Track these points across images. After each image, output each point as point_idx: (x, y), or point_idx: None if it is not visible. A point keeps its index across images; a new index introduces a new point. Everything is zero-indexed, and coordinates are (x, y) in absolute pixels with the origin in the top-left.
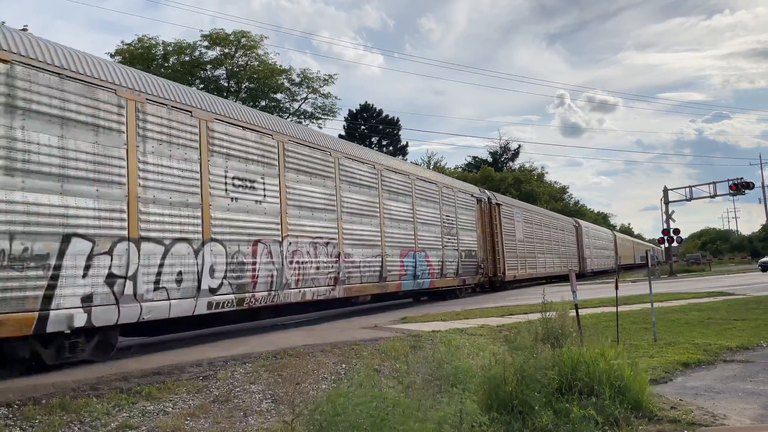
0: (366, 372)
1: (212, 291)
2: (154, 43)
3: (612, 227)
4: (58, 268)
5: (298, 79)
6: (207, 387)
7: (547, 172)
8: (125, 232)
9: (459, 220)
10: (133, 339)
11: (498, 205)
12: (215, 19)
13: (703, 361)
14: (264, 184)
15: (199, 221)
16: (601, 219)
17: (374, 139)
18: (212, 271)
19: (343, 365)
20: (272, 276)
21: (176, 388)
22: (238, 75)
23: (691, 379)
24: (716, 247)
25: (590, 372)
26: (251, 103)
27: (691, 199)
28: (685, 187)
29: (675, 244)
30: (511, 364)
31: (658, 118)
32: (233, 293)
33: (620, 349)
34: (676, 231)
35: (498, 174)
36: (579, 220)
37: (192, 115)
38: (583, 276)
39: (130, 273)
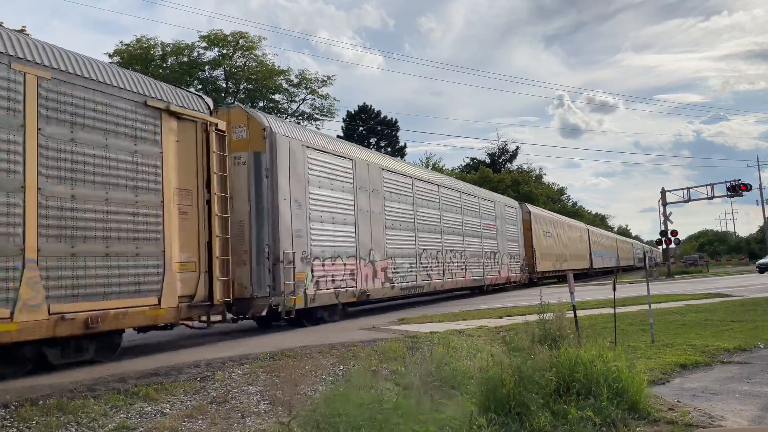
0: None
1: None
2: (152, 43)
3: (610, 229)
4: None
5: (296, 80)
6: (204, 388)
7: (545, 174)
8: None
9: None
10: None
11: None
12: (212, 19)
13: (701, 363)
14: None
15: None
16: (599, 220)
17: (372, 140)
18: None
19: (341, 366)
20: None
21: (174, 389)
22: (236, 76)
23: (688, 381)
24: (714, 249)
25: (588, 373)
26: (250, 104)
27: (689, 200)
28: (683, 189)
29: (672, 245)
30: (509, 366)
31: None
32: None
33: (618, 351)
34: (674, 232)
35: (496, 175)
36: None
37: None
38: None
39: None
